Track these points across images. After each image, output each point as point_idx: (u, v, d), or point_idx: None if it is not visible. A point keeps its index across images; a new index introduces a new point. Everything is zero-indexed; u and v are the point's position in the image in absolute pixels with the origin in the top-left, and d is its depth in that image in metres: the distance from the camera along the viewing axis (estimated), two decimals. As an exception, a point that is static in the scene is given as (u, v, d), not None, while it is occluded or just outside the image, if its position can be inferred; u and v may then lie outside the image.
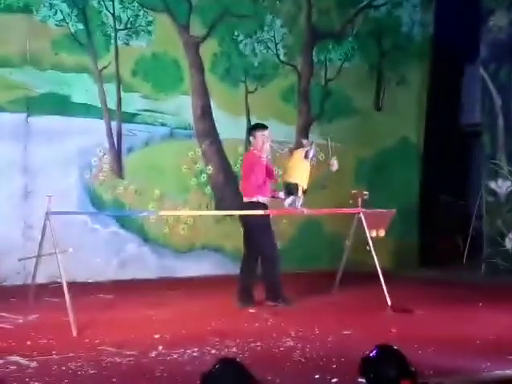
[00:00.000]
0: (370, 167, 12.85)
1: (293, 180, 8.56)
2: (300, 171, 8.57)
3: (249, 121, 12.13)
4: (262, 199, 8.84)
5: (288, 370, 5.88)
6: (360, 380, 5.07)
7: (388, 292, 8.65)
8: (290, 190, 8.55)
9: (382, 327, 7.45)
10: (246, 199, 8.93)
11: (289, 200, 8.56)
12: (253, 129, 9.22)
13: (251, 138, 9.06)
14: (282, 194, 8.81)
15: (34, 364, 6.03)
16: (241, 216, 9.04)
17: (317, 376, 5.62)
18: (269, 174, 8.94)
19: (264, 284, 8.86)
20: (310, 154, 8.59)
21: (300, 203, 8.56)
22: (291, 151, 8.92)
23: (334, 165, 8.98)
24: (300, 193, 8.51)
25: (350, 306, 8.81)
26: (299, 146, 9.04)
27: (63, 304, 7.40)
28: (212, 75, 11.96)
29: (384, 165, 12.87)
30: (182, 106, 11.74)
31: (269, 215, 8.89)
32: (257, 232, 8.82)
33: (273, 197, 8.99)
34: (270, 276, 8.81)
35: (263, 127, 9.11)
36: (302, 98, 12.68)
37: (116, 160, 11.32)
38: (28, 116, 10.64)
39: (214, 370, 4.54)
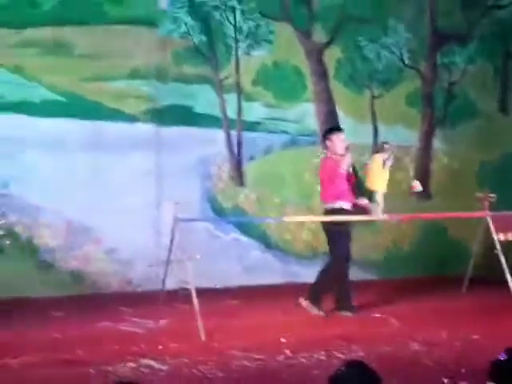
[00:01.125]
0: (495, 170, 12.60)
1: (373, 187, 8.46)
2: (379, 177, 8.46)
3: (375, 126, 12.12)
4: (344, 205, 8.62)
5: (415, 375, 5.87)
6: (489, 384, 5.01)
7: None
8: (371, 196, 8.44)
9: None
10: (328, 206, 8.70)
11: (374, 207, 8.48)
12: (329, 132, 8.95)
13: (327, 142, 8.78)
14: (363, 201, 8.66)
15: (165, 367, 6.19)
16: (323, 223, 8.83)
17: (445, 380, 5.57)
18: (349, 179, 8.69)
19: (334, 291, 8.77)
20: (389, 163, 8.47)
21: (381, 210, 8.46)
22: (372, 155, 8.79)
23: (417, 186, 8.85)
24: (380, 199, 8.40)
25: (478, 310, 8.67)
26: (380, 149, 8.88)
27: (192, 309, 7.56)
28: (336, 81, 11.98)
29: (510, 168, 12.60)
30: (304, 113, 11.82)
31: (349, 223, 8.73)
32: (332, 238, 8.66)
33: (354, 205, 8.76)
34: (339, 283, 8.69)
35: (339, 130, 8.91)
36: (426, 101, 12.56)
37: (236, 168, 11.47)
38: (157, 126, 10.93)
39: (341, 372, 4.57)
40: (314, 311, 8.54)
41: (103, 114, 10.72)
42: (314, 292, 8.68)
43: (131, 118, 10.86)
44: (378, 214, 8.52)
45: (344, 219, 8.53)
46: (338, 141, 8.70)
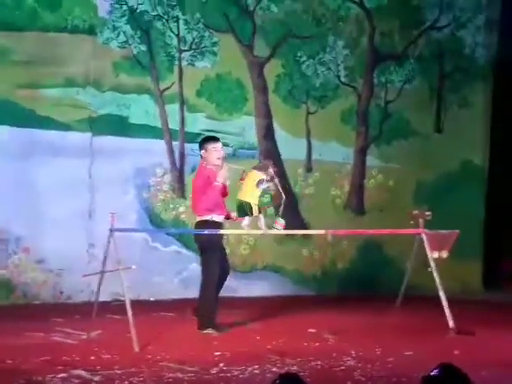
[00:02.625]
0: (431, 190, 12.75)
1: (247, 199, 8.12)
2: (251, 192, 8.13)
3: (309, 142, 12.19)
4: (216, 218, 8.36)
5: (349, 389, 5.87)
6: (422, 399, 5.04)
7: (450, 315, 8.55)
8: (244, 209, 8.12)
9: (445, 349, 7.38)
10: (198, 218, 8.42)
11: (246, 221, 8.15)
12: (204, 142, 8.65)
13: (203, 152, 8.51)
14: (234, 215, 8.41)
15: (97, 378, 6.11)
16: (196, 237, 8.57)
17: (378, 395, 5.60)
18: (223, 192, 8.48)
19: (197, 309, 8.48)
20: (262, 186, 8.10)
21: (263, 223, 8.18)
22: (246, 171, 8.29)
23: (280, 224, 8.37)
24: (256, 212, 8.08)
25: (411, 327, 8.74)
26: (261, 168, 8.30)
27: (126, 321, 7.50)
28: (275, 96, 12.03)
29: (446, 188, 12.75)
30: (245, 127, 11.83)
31: (221, 237, 8.55)
32: (204, 254, 8.42)
33: (227, 217, 8.55)
34: (204, 302, 8.37)
35: (215, 140, 8.64)
36: (361, 119, 12.67)
37: (178, 180, 11.43)
38: (92, 135, 10.83)
39: (276, 384, 4.56)
40: (214, 332, 8.21)
41: (36, 121, 10.60)
42: (203, 316, 8.38)
43: (64, 127, 10.74)
44: (262, 226, 8.18)
45: (299, 232, 8.46)
46: (213, 151, 8.45)
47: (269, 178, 8.09)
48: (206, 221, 8.33)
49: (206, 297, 8.35)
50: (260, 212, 8.13)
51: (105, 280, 8.00)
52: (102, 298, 8.35)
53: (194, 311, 8.53)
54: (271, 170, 8.17)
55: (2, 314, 9.50)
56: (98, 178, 10.84)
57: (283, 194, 8.27)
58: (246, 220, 8.13)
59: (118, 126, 11.05)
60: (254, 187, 8.09)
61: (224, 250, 8.68)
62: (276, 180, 8.21)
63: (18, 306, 10.24)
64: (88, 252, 10.57)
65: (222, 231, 8.51)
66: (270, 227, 8.28)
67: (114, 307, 9.06)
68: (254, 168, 8.23)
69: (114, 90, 11.10)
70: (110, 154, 10.92)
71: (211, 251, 8.34)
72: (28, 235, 10.47)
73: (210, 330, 8.22)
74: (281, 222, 8.35)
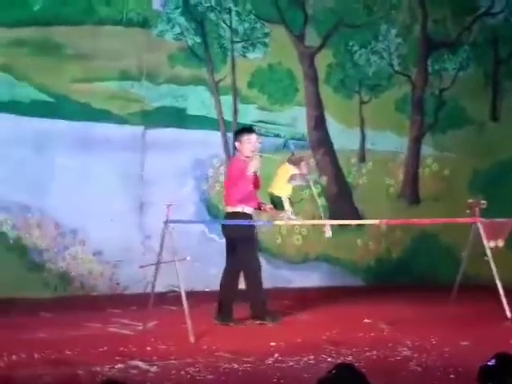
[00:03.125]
0: (486, 178, 12.61)
1: (278, 193, 8.12)
2: (283, 185, 8.10)
3: (362, 132, 12.14)
4: (247, 209, 8.33)
5: (404, 379, 5.86)
6: (479, 389, 5.00)
7: (507, 304, 8.47)
8: (276, 203, 8.13)
9: (501, 339, 7.31)
10: (229, 209, 8.41)
11: (286, 215, 8.09)
12: (238, 133, 8.59)
13: (237, 143, 8.48)
14: (267, 206, 8.41)
15: (153, 368, 6.17)
16: (223, 227, 8.51)
17: (434, 385, 5.57)
18: (255, 183, 8.43)
19: (249, 301, 8.43)
20: (294, 182, 8.08)
21: (293, 215, 8.11)
22: (285, 162, 8.26)
23: (328, 231, 8.38)
24: (287, 206, 8.04)
25: (467, 317, 8.67)
26: (295, 162, 8.26)
27: (181, 312, 7.55)
28: (326, 86, 12.00)
29: (501, 176, 12.61)
30: (296, 117, 11.83)
31: (254, 228, 8.50)
32: (240, 246, 8.31)
33: (259, 208, 8.51)
34: (254, 293, 8.37)
35: (249, 131, 8.54)
36: (416, 108, 12.57)
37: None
38: (145, 129, 10.91)
39: (330, 375, 4.57)
40: (230, 324, 8.22)
41: (92, 115, 10.71)
42: (222, 307, 8.40)
43: (120, 120, 10.84)
44: (289, 217, 8.10)
45: (343, 222, 8.29)
46: (247, 143, 8.37)
47: (301, 174, 8.06)
48: (237, 212, 8.32)
49: (258, 288, 8.37)
50: (292, 205, 8.11)
51: (161, 271, 8.05)
52: (158, 289, 8.41)
53: (251, 309, 8.46)
54: (304, 165, 8.13)
55: (61, 305, 9.64)
56: (154, 170, 10.91)
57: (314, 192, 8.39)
58: (286, 214, 8.08)
59: (175, 117, 11.13)
60: (285, 181, 8.07)
61: (257, 243, 8.59)
62: (308, 177, 8.21)
63: (76, 297, 10.38)
64: (143, 244, 10.67)
65: (276, 222, 8.51)
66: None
67: (170, 298, 9.14)
68: (288, 161, 8.20)
69: (169, 82, 11.16)
70: (166, 147, 10.98)
71: (251, 242, 8.34)
72: (84, 227, 10.59)
73: (270, 321, 8.28)
74: (328, 226, 8.41)
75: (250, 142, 8.39)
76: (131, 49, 10.94)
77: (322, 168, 11.98)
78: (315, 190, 8.59)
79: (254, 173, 8.31)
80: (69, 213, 10.49)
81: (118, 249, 10.57)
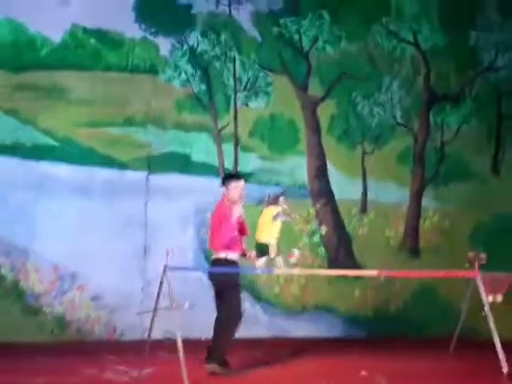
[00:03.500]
0: (487, 232, 12.60)
1: (263, 239, 8.07)
2: (268, 230, 8.06)
3: (364, 182, 12.17)
4: (231, 256, 8.23)
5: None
6: None
7: (504, 359, 8.40)
8: (262, 249, 8.07)
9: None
10: (214, 255, 8.33)
11: (261, 261, 8.06)
12: (226, 179, 8.54)
13: (224, 189, 8.42)
14: (253, 254, 8.29)
15: (148, 417, 6.13)
16: (214, 276, 8.35)
17: None
18: (241, 229, 8.36)
19: (212, 344, 8.23)
20: (280, 218, 8.05)
21: (281, 262, 8.04)
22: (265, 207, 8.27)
23: (294, 256, 8.26)
24: (273, 253, 7.99)
25: (465, 372, 8.62)
26: (273, 202, 8.29)
27: (177, 359, 7.50)
28: (329, 136, 12.05)
29: (502, 230, 12.60)
30: (297, 166, 11.86)
31: (238, 274, 8.38)
32: (224, 291, 8.20)
33: (243, 255, 8.37)
34: (219, 337, 8.19)
35: (238, 177, 8.52)
36: (417, 160, 12.61)
37: (230, 218, 11.43)
38: (149, 174, 10.95)
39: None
40: (224, 371, 8.08)
41: (95, 159, 10.75)
42: (216, 352, 8.19)
43: (123, 165, 10.89)
44: (280, 266, 8.06)
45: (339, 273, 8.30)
46: (234, 189, 8.33)
47: (284, 209, 8.06)
48: (221, 259, 8.25)
49: (225, 335, 8.18)
50: (278, 252, 8.07)
51: (158, 317, 8.02)
52: (154, 336, 8.37)
53: (207, 350, 8.27)
54: (283, 201, 8.15)
55: (57, 349, 9.61)
56: (155, 216, 10.93)
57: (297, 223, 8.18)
58: (262, 260, 8.07)
59: (179, 164, 11.18)
60: (270, 224, 8.06)
61: (240, 289, 8.45)
62: (289, 211, 8.17)
63: (72, 342, 10.34)
64: (143, 290, 10.64)
65: (276, 270, 8.47)
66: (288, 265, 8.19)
67: (167, 345, 9.08)
68: (266, 205, 8.22)
69: (176, 129, 11.23)
70: (169, 192, 11.01)
71: (234, 290, 8.23)
72: (83, 272, 10.58)
73: (216, 368, 8.06)
74: (295, 252, 8.26)
75: (237, 188, 8.36)
76: (138, 95, 11.02)
77: (322, 217, 11.99)
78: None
79: (239, 218, 8.28)
80: (68, 257, 10.50)
81: (117, 294, 10.54)
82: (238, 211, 8.20)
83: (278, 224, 8.11)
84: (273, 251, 8.03)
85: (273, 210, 8.11)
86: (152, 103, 11.09)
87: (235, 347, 9.96)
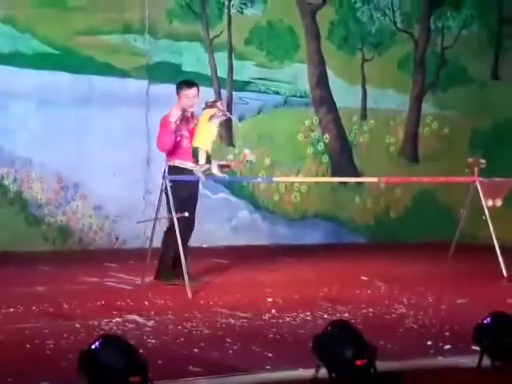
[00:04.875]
0: (486, 137, 12.60)
1: (195, 144, 7.65)
2: (203, 134, 7.63)
3: (364, 89, 12.09)
4: (178, 163, 7.87)
5: (400, 336, 5.88)
6: (474, 347, 5.04)
7: (504, 263, 8.49)
8: (196, 155, 7.62)
9: (498, 297, 7.33)
10: (169, 163, 7.93)
11: (198, 167, 7.59)
12: (177, 86, 8.03)
13: (176, 96, 7.97)
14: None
15: (151, 323, 6.19)
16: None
17: (429, 343, 5.59)
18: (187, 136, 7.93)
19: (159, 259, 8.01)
20: (216, 120, 7.58)
21: (216, 169, 7.67)
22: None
23: (248, 155, 8.12)
24: (202, 159, 7.57)
25: (464, 276, 8.70)
26: (210, 105, 7.69)
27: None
28: (329, 43, 11.92)
29: (502, 135, 12.59)
30: (297, 74, 11.77)
31: (195, 185, 8.07)
32: (176, 201, 7.73)
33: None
34: (165, 251, 7.95)
35: (188, 85, 7.97)
36: (418, 66, 12.53)
37: (226, 128, 11.39)
38: (149, 83, 10.86)
39: (327, 330, 4.60)
40: (176, 282, 7.75)
41: (95, 68, 10.65)
42: (163, 266, 7.97)
43: (123, 73, 10.78)
44: (197, 172, 7.61)
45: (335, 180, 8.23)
46: (184, 97, 7.88)
47: (220, 111, 7.61)
48: (171, 166, 7.92)
49: (170, 247, 7.91)
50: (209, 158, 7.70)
51: (159, 226, 8.05)
52: (156, 245, 8.41)
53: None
54: (221, 104, 7.74)
55: (59, 259, 9.69)
56: (154, 125, 10.87)
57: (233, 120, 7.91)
58: (202, 167, 7.63)
59: (172, 73, 11.06)
60: (205, 125, 7.63)
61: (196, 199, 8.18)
62: (227, 113, 7.86)
63: (74, 251, 10.42)
64: (144, 199, 10.67)
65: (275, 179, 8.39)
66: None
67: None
68: (204, 107, 7.71)
69: (167, 38, 11.08)
70: (165, 102, 10.91)
71: (182, 201, 7.84)
72: (86, 182, 10.60)
73: (168, 280, 7.88)
74: (248, 151, 8.14)
75: (187, 96, 7.92)
76: (133, 1, 10.84)
77: (324, 126, 11.95)
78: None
79: (192, 126, 7.87)
80: (71, 167, 10.49)
81: (119, 204, 10.57)
82: (174, 115, 7.84)
83: (214, 127, 7.70)
84: (201, 157, 7.61)
85: (209, 111, 7.66)
86: (146, 11, 10.91)
87: (233, 253, 10.13)
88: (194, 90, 7.94)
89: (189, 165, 7.79)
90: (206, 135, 7.64)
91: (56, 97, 10.44)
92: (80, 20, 10.60)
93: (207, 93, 11.23)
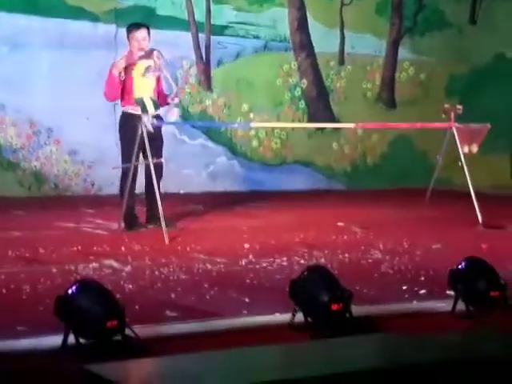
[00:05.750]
0: (463, 83, 12.60)
1: (138, 95, 7.53)
2: (140, 84, 7.53)
3: (342, 34, 12.01)
4: (130, 109, 7.69)
5: (375, 281, 5.91)
6: (448, 292, 5.09)
7: (479, 209, 8.53)
8: (141, 106, 7.49)
9: (473, 242, 7.39)
10: (122, 109, 7.84)
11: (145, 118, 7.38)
12: (127, 29, 7.82)
13: (127, 40, 7.77)
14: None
15: (127, 268, 6.19)
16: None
17: (404, 287, 5.64)
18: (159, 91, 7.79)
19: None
20: (150, 72, 7.48)
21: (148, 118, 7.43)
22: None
23: (174, 114, 7.93)
24: (151, 108, 7.45)
25: (440, 222, 8.74)
26: (147, 55, 7.62)
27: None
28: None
29: (478, 81, 12.59)
30: (277, 19, 11.65)
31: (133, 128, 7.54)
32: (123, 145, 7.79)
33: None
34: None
35: (136, 27, 7.72)
36: (396, 10, 12.46)
37: (204, 72, 11.31)
38: (117, 27, 10.71)
39: (303, 275, 4.63)
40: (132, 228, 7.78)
41: (66, 11, 10.48)
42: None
43: (93, 17, 10.62)
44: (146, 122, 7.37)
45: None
46: (133, 40, 7.65)
47: (156, 64, 7.48)
48: (123, 113, 7.84)
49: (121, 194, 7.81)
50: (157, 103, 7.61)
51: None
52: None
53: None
54: (157, 55, 7.56)
55: (34, 205, 9.64)
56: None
57: (174, 86, 7.81)
58: (145, 117, 7.43)
59: (145, 17, 10.88)
60: (140, 76, 7.54)
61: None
62: (165, 71, 7.68)
63: (49, 197, 10.38)
64: (118, 145, 10.56)
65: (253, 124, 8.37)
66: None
67: (144, 199, 9.12)
68: (139, 58, 7.62)
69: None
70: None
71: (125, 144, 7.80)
72: (59, 127, 10.51)
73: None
74: (174, 110, 7.99)
75: (136, 39, 7.67)
76: None
77: (303, 71, 11.88)
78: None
79: (150, 73, 7.63)
80: (44, 111, 10.38)
81: (94, 149, 10.51)
82: (118, 68, 7.59)
83: (150, 79, 7.60)
84: (149, 105, 7.50)
85: (144, 63, 7.56)
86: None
87: (211, 199, 10.13)
88: (142, 32, 7.70)
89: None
90: (145, 85, 7.52)
91: (28, 41, 10.29)
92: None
93: (184, 37, 11.16)
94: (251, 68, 11.58)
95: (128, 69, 7.67)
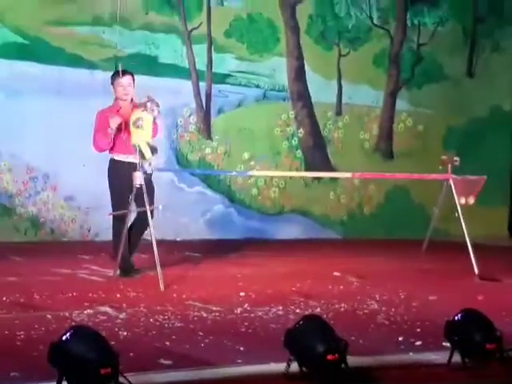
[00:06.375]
0: (460, 135, 12.67)
1: (134, 141, 7.49)
2: (134, 133, 7.47)
3: (339, 84, 12.10)
4: (116, 157, 7.85)
5: (371, 332, 5.88)
6: (444, 344, 5.06)
7: (476, 261, 8.53)
8: (140, 153, 7.47)
9: (469, 294, 7.37)
10: (110, 156, 7.94)
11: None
12: (111, 76, 7.88)
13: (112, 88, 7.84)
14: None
15: (122, 315, 6.16)
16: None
17: (400, 338, 5.61)
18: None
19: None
20: (139, 123, 7.39)
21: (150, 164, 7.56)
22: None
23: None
24: (148, 154, 7.44)
25: (436, 273, 8.72)
26: (141, 106, 7.57)
27: (152, 260, 7.54)
28: (307, 37, 11.92)
29: (475, 133, 12.67)
30: (276, 68, 11.75)
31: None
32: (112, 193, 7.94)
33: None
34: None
35: (121, 74, 7.73)
36: (393, 62, 12.57)
37: (204, 121, 11.37)
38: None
39: (298, 325, 4.60)
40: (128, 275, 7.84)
41: (65, 59, 10.56)
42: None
43: (92, 65, 10.70)
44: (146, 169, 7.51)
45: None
46: (118, 86, 7.73)
47: (143, 111, 7.42)
48: (112, 160, 7.93)
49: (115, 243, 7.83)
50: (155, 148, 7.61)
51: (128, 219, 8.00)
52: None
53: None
54: (151, 104, 7.50)
55: (30, 250, 9.63)
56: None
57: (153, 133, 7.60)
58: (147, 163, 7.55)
59: (147, 65, 11.00)
60: (134, 129, 7.51)
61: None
62: (158, 121, 7.69)
63: (46, 242, 10.36)
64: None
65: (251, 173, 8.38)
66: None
67: (141, 246, 9.11)
68: (133, 107, 7.65)
69: (143, 29, 11.01)
70: (138, 94, 10.85)
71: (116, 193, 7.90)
72: (56, 172, 10.53)
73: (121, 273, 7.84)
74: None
75: (121, 85, 7.75)
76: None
77: (300, 121, 11.96)
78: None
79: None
80: (41, 157, 10.42)
81: (91, 195, 10.51)
82: (115, 122, 7.64)
83: (141, 129, 7.47)
84: (146, 151, 7.46)
85: (136, 113, 7.50)
86: (119, 2, 10.82)
87: (207, 247, 10.12)
88: (127, 79, 7.77)
89: (132, 158, 7.61)
90: (140, 132, 7.48)
91: (26, 87, 10.35)
92: (50, 10, 10.49)
93: (185, 85, 11.23)
94: (252, 117, 11.64)
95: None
